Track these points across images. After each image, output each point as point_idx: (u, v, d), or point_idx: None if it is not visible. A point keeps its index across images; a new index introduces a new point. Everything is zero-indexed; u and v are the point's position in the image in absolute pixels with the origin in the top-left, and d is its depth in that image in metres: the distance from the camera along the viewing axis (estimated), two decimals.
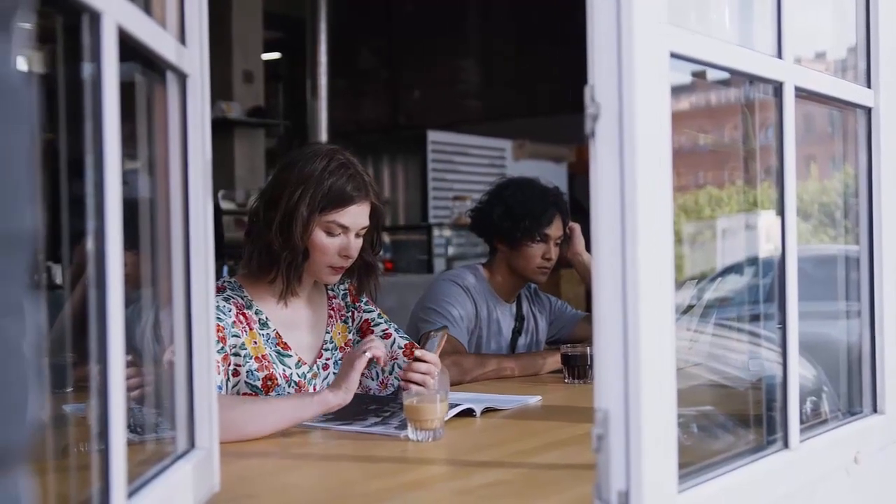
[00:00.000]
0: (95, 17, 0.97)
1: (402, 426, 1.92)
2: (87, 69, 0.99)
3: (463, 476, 1.66)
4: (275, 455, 1.82)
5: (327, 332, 2.33)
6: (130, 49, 1.10)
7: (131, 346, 1.07)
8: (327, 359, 2.32)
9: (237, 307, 2.18)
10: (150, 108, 1.32)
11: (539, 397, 2.37)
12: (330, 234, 2.18)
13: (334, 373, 2.29)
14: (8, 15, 0.60)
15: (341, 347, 2.34)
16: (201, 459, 1.35)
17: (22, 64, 0.62)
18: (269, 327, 2.22)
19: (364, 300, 2.41)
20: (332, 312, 2.36)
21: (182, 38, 1.34)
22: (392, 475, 1.65)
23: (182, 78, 1.33)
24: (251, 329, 2.18)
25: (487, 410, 2.18)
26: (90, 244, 0.98)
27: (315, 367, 2.27)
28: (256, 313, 2.22)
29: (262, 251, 2.19)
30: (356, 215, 2.19)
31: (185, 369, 1.36)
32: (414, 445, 1.84)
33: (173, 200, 1.34)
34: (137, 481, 1.14)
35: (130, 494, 1.07)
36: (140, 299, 1.36)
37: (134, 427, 1.29)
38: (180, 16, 1.34)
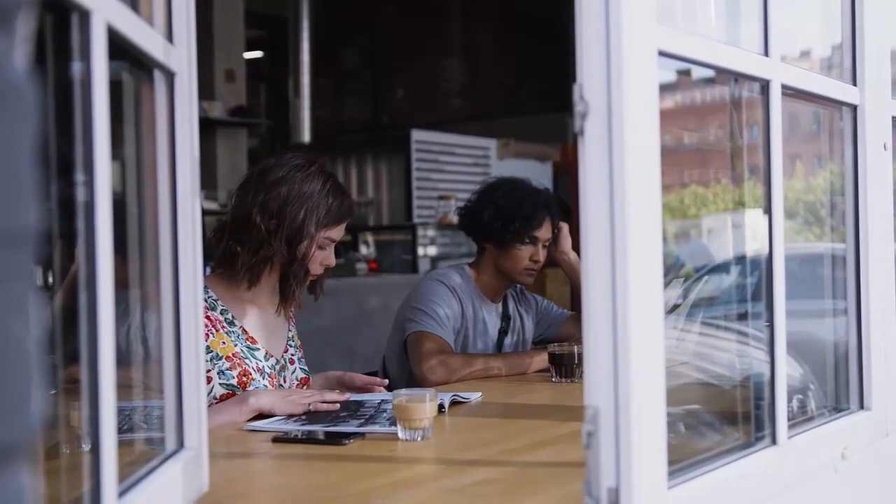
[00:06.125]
0: (85, 16, 0.97)
1: (394, 422, 1.90)
2: (75, 67, 0.98)
3: (453, 475, 1.66)
4: (263, 455, 1.81)
5: (290, 331, 2.44)
6: (117, 47, 1.09)
7: (117, 347, 1.06)
8: (292, 354, 2.42)
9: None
10: (137, 107, 1.31)
11: (479, 394, 2.38)
12: (321, 248, 2.29)
13: (301, 367, 2.42)
14: (10, 13, 0.59)
15: (300, 346, 2.46)
16: (190, 460, 1.35)
17: (23, 62, 0.61)
18: (235, 325, 2.28)
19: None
20: (290, 314, 2.46)
21: (170, 37, 1.33)
22: (382, 475, 1.65)
23: (170, 76, 1.33)
24: (217, 330, 2.23)
25: (454, 403, 2.23)
26: (80, 245, 0.97)
27: (283, 360, 2.37)
28: (222, 313, 2.27)
29: (262, 261, 2.25)
30: (343, 230, 2.34)
31: (173, 370, 1.35)
32: (402, 445, 1.83)
33: (161, 200, 1.33)
34: (127, 481, 1.13)
35: (121, 494, 1.06)
36: (127, 300, 1.35)
37: (120, 427, 1.29)
38: (167, 14, 1.33)
